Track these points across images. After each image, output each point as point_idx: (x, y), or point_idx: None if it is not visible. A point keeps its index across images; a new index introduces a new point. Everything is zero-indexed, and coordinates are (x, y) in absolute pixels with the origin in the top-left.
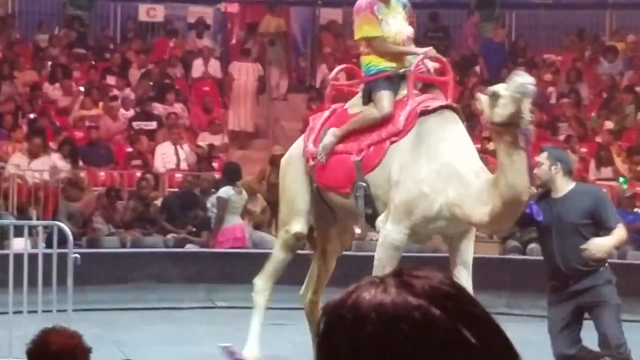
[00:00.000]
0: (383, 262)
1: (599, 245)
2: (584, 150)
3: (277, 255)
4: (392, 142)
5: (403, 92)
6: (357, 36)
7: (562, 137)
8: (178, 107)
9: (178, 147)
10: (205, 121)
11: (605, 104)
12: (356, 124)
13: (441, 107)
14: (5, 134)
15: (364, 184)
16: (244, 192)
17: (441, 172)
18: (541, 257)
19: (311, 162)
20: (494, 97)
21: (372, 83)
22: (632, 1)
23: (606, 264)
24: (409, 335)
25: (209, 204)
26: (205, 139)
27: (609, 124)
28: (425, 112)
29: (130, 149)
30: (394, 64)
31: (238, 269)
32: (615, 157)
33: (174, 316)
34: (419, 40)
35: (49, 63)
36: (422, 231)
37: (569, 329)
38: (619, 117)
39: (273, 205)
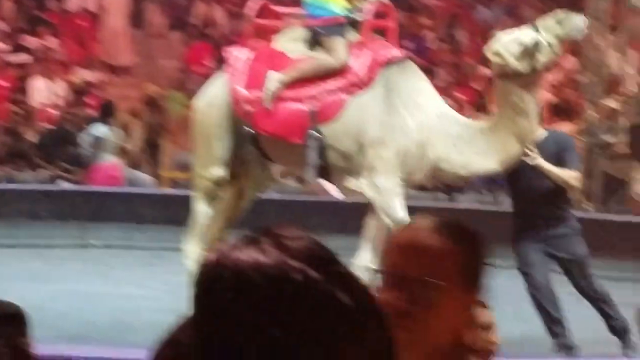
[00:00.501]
0: (391, 215)
1: (543, 161)
2: (461, 96)
3: (200, 209)
4: (352, 94)
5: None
6: None
7: (439, 83)
8: (52, 41)
9: (52, 82)
10: (80, 56)
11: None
12: (308, 72)
13: (403, 58)
14: None
15: (318, 135)
16: (119, 131)
17: (426, 124)
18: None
19: (248, 108)
20: (535, 47)
21: (323, 27)
22: None
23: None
24: (290, 297)
25: (83, 142)
26: (79, 75)
27: (486, 71)
28: (390, 62)
29: (2, 83)
30: (340, 5)
31: (112, 208)
32: (490, 104)
33: (45, 254)
34: None
35: None
36: (411, 182)
37: (542, 264)
38: None
39: (148, 144)
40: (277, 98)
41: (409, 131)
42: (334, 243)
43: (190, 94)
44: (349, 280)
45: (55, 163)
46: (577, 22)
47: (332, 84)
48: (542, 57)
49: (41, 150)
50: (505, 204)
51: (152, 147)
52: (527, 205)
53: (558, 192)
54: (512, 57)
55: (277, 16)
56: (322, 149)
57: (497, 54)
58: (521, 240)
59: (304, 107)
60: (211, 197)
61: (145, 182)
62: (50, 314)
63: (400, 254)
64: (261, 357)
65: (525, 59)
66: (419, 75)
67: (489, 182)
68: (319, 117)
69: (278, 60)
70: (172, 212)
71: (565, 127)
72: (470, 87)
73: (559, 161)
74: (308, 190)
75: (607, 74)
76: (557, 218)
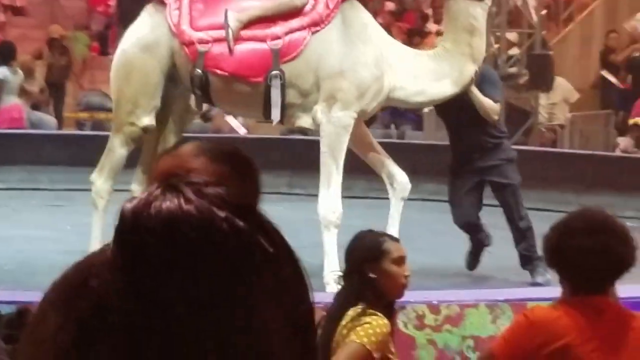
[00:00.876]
0: (335, 148)
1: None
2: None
3: (119, 151)
4: (313, 31)
5: None
6: None
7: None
8: None
9: None
10: None
11: None
12: (271, 10)
13: None
14: None
15: (280, 73)
16: (20, 72)
17: (380, 56)
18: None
19: (199, 48)
20: None
21: None
22: None
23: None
24: (220, 246)
25: None
26: None
27: (390, 5)
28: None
29: None
30: None
31: (15, 150)
32: (396, 38)
33: None
34: None
35: None
36: (365, 114)
37: (471, 196)
38: None
39: (51, 85)
40: (237, 37)
41: (367, 64)
42: None
43: (94, 34)
44: (268, 228)
45: None
46: None
47: (294, 22)
48: None
49: None
50: (411, 137)
51: (55, 88)
52: (461, 138)
53: (489, 123)
54: None
55: None
56: (282, 87)
57: None
58: (457, 174)
59: (266, 46)
60: (135, 143)
61: (48, 123)
62: None
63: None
64: (191, 303)
65: None
66: (365, 12)
67: (395, 115)
68: (282, 55)
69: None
70: (75, 153)
71: None
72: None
73: (481, 92)
74: (213, 127)
75: (508, 7)
76: (491, 149)
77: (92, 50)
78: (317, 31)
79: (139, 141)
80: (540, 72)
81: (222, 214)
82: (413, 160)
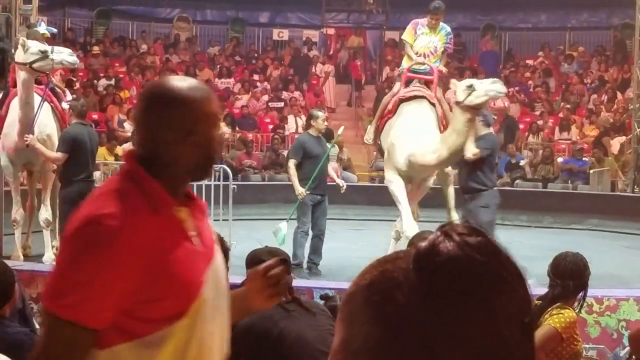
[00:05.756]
0: (393, 195)
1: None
2: (551, 120)
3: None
4: (388, 119)
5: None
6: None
7: (537, 112)
8: None
9: None
10: None
11: (565, 92)
12: (381, 107)
13: (416, 97)
14: None
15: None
16: None
17: (404, 133)
18: None
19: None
20: (470, 88)
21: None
22: (582, 25)
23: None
24: (476, 277)
25: None
26: None
27: (566, 105)
28: (403, 99)
29: None
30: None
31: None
32: (572, 126)
33: None
34: (448, 52)
35: None
36: (401, 173)
37: None
38: (572, 101)
39: None
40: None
41: (391, 137)
42: None
43: None
44: (504, 259)
45: None
46: (499, 88)
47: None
48: (473, 98)
49: None
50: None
51: None
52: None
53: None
54: (458, 88)
55: None
56: (382, 151)
57: (453, 84)
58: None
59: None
60: None
61: (351, 178)
62: None
63: None
64: (460, 315)
65: (466, 95)
66: (423, 106)
67: None
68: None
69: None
70: (370, 197)
71: (620, 139)
72: (557, 115)
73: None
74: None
75: None
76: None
77: None
78: (390, 118)
79: None
80: None
81: (479, 257)
82: (582, 202)
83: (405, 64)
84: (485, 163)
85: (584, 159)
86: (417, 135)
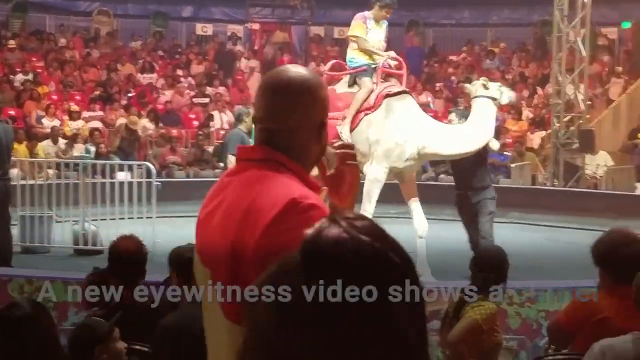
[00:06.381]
0: (370, 192)
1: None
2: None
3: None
4: (365, 114)
5: (373, 80)
6: (349, 33)
7: (460, 107)
8: None
9: None
10: None
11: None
12: (357, 103)
13: (401, 92)
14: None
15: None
16: None
17: (411, 128)
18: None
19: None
20: (484, 84)
21: (358, 73)
22: (504, 22)
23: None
24: (365, 261)
25: None
26: None
27: None
28: (389, 95)
29: None
30: (369, 60)
31: None
32: None
33: None
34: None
35: None
36: (395, 170)
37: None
38: None
39: None
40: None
41: (392, 135)
42: None
43: None
44: (394, 244)
45: None
46: (510, 94)
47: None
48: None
49: None
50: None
51: None
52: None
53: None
54: (471, 88)
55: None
56: None
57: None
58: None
59: (333, 123)
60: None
61: None
62: None
63: None
64: (346, 297)
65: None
66: (411, 103)
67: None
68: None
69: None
70: None
71: (540, 134)
72: None
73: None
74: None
75: (565, 99)
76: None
77: None
78: (368, 114)
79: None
80: (586, 142)
81: (365, 239)
82: (504, 196)
83: (363, 59)
84: (486, 160)
85: (505, 153)
86: (428, 128)
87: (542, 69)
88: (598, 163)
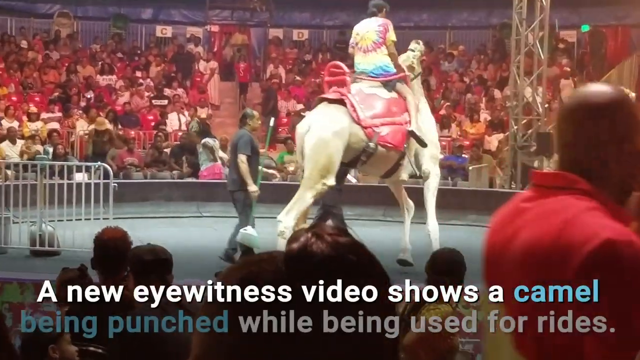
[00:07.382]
0: (436, 189)
1: None
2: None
3: (308, 201)
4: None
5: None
6: (393, 38)
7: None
8: None
9: None
10: None
11: (445, 90)
12: (414, 108)
13: None
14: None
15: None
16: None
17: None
18: None
19: (375, 129)
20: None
21: (398, 79)
22: (463, 25)
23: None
24: (343, 272)
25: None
26: None
27: (447, 103)
28: None
29: None
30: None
31: (218, 192)
32: (452, 124)
33: (176, 222)
34: (331, 50)
35: None
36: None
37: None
38: (452, 98)
39: None
40: (388, 122)
41: (435, 134)
42: None
43: None
44: (372, 259)
45: None
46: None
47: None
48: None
49: None
50: (461, 185)
51: None
52: None
53: None
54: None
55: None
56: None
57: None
58: None
59: (404, 128)
60: (320, 197)
61: None
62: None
63: None
64: (327, 303)
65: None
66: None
67: (451, 171)
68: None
69: (369, 99)
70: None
71: (498, 136)
72: (437, 113)
73: None
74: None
75: (523, 102)
76: None
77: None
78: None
79: (323, 194)
80: (544, 145)
81: (351, 256)
82: (461, 198)
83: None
84: None
85: (463, 155)
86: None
87: (500, 72)
88: (554, 166)
